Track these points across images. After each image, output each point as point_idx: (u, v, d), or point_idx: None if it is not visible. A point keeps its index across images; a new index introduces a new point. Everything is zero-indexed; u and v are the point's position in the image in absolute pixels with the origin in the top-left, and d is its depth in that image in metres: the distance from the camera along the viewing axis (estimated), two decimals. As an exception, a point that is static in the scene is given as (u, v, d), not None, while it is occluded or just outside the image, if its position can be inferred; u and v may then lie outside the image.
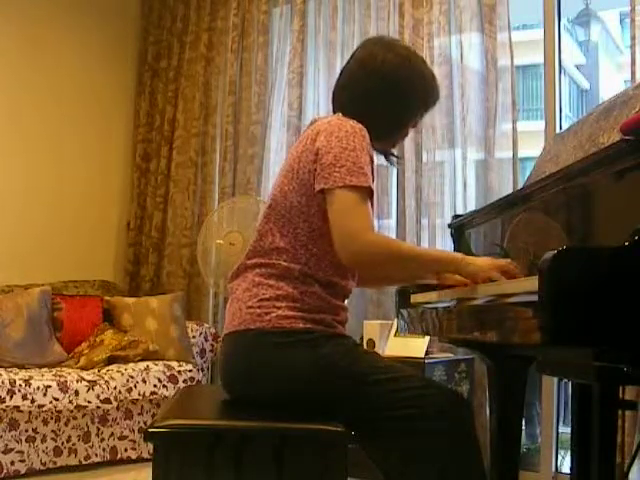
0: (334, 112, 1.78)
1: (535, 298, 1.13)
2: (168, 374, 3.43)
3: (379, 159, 1.86)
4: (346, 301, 1.73)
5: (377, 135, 1.71)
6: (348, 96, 1.75)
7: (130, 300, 3.87)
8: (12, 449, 2.87)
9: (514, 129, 3.17)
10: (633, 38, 2.80)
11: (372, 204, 1.60)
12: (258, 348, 1.57)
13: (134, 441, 3.28)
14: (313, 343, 1.56)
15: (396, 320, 3.06)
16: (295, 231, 1.61)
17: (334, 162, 1.55)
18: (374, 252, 1.54)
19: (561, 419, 3.13)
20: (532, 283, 1.16)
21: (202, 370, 3.72)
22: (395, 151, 1.89)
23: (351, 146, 1.57)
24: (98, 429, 3.17)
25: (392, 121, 1.76)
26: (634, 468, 2.39)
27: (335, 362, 1.56)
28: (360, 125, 1.63)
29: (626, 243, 1.10)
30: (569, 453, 2.36)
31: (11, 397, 2.85)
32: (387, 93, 1.71)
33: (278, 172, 1.75)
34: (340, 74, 1.80)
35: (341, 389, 1.54)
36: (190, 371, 3.54)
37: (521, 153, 3.15)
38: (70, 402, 3.02)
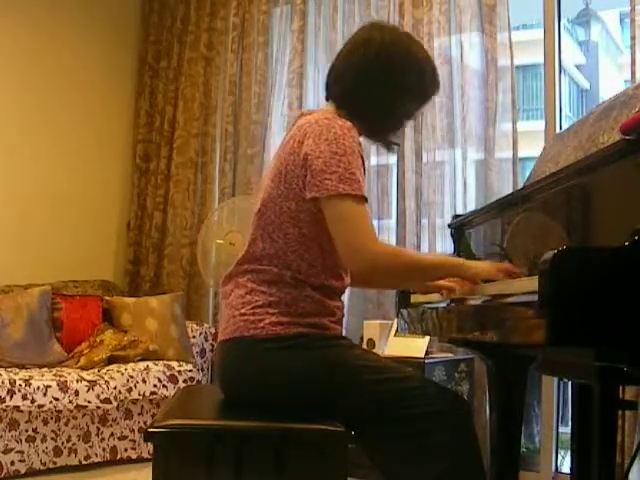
0: (327, 99, 1.74)
1: (535, 298, 1.13)
2: (168, 374, 3.43)
3: (379, 159, 1.85)
4: (344, 297, 1.73)
5: (371, 123, 1.67)
6: (344, 80, 1.69)
7: (130, 300, 3.87)
8: (12, 449, 2.87)
9: (514, 129, 3.17)
10: (633, 38, 2.80)
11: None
12: (253, 355, 1.56)
13: (134, 441, 3.28)
14: (309, 345, 1.56)
15: (396, 320, 3.05)
16: (286, 237, 1.59)
17: (324, 168, 1.51)
18: (382, 264, 1.53)
19: (561, 419, 3.13)
20: (532, 283, 1.16)
21: (202, 370, 3.72)
22: (397, 139, 1.79)
23: (341, 150, 1.52)
24: (98, 429, 3.17)
25: (387, 109, 1.69)
26: (634, 468, 2.39)
27: (332, 362, 1.56)
28: (349, 124, 1.58)
29: (626, 243, 1.10)
30: (569, 453, 2.36)
31: (11, 397, 2.85)
32: (383, 79, 1.65)
33: (265, 174, 1.71)
34: (336, 58, 1.74)
35: (339, 389, 1.53)
36: (190, 371, 3.54)
37: (521, 153, 3.15)
38: (70, 402, 3.01)
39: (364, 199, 1.54)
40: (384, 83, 1.66)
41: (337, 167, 1.51)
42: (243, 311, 1.58)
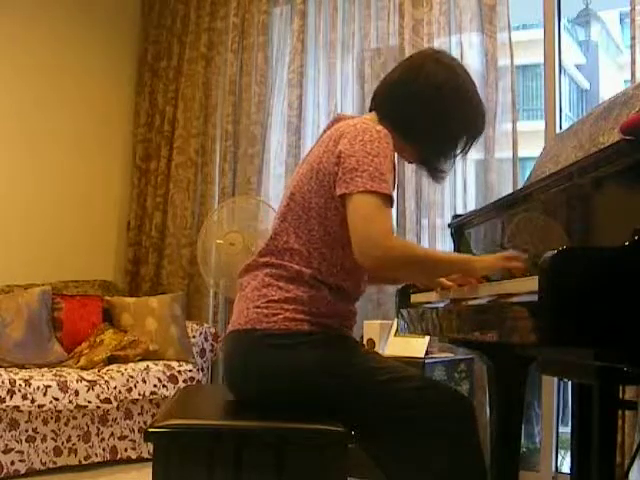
0: (370, 110, 1.76)
1: (535, 298, 1.13)
2: (168, 374, 3.43)
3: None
4: (356, 304, 1.74)
5: (407, 146, 1.72)
6: (396, 108, 1.71)
7: (130, 300, 3.87)
8: (12, 449, 2.87)
9: (514, 129, 3.17)
10: (633, 38, 2.80)
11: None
12: (262, 348, 1.57)
13: (134, 441, 3.28)
14: (315, 344, 1.56)
15: (396, 320, 3.05)
16: (310, 233, 1.60)
17: (356, 167, 1.53)
18: (395, 258, 1.52)
19: (561, 419, 3.13)
20: (532, 283, 1.16)
21: (202, 370, 3.72)
22: (442, 167, 1.83)
23: (374, 151, 1.54)
24: (98, 429, 3.17)
25: (431, 141, 1.73)
26: (634, 468, 2.39)
27: (337, 362, 1.56)
28: (385, 131, 1.60)
29: (626, 243, 1.10)
30: (569, 453, 2.36)
31: (11, 397, 2.85)
32: (430, 114, 1.68)
33: (296, 170, 1.73)
34: (387, 82, 1.75)
35: (343, 389, 1.54)
36: (190, 371, 3.54)
37: (521, 153, 3.15)
38: (70, 402, 3.01)
39: (390, 199, 1.55)
40: (438, 121, 1.69)
41: (368, 166, 1.53)
42: (258, 304, 1.59)
